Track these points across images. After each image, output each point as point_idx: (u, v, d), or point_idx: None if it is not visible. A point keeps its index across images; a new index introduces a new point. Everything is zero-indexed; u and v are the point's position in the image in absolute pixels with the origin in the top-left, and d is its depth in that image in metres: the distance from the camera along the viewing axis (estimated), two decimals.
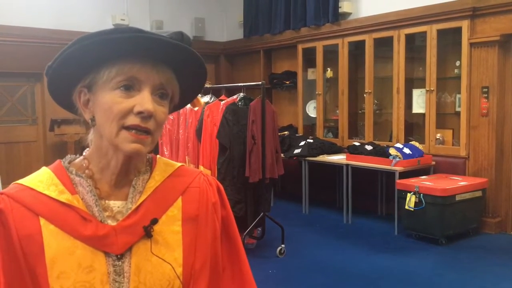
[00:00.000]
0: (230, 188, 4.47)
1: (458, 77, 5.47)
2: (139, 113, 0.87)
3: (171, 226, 0.96)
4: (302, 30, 7.14)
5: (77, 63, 0.88)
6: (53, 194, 0.91)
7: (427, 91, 5.66)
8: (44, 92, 6.92)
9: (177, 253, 0.95)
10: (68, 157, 0.99)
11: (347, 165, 5.78)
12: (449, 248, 4.84)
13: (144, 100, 0.87)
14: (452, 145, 5.64)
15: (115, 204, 0.94)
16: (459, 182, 5.07)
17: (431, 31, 5.55)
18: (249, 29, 8.08)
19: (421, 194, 4.88)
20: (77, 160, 0.98)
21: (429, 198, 4.84)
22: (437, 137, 5.68)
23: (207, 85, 4.55)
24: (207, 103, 4.92)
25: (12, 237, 0.88)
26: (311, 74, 7.17)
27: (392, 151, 5.44)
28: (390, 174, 5.64)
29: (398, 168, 5.28)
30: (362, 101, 6.51)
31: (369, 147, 5.75)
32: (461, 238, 5.06)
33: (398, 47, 5.89)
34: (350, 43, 6.52)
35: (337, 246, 5.02)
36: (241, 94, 4.88)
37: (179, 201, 0.99)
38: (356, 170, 5.75)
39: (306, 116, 7.26)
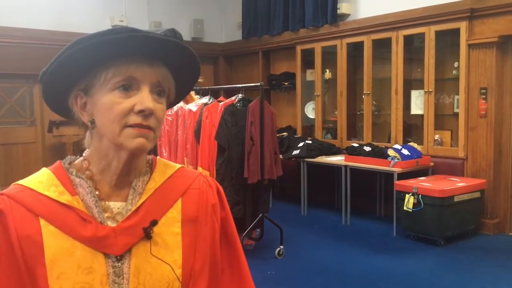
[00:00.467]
0: (229, 189, 4.46)
1: (457, 78, 5.48)
2: (140, 111, 0.87)
3: (170, 228, 0.96)
4: (301, 31, 7.15)
5: (73, 67, 0.89)
6: (53, 195, 0.92)
7: (425, 92, 5.66)
8: None
9: (177, 255, 0.95)
10: (68, 158, 1.00)
11: (345, 166, 5.78)
12: (448, 249, 4.85)
13: (144, 99, 0.88)
14: (451, 146, 5.65)
15: (115, 205, 0.94)
16: (457, 183, 5.08)
17: (430, 32, 5.56)
18: (248, 30, 8.09)
19: (420, 195, 4.88)
20: (77, 161, 0.98)
21: (428, 199, 4.84)
22: (436, 138, 5.69)
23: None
24: (205, 104, 4.92)
25: (12, 238, 0.88)
26: (309, 75, 7.18)
27: (390, 152, 5.44)
28: (388, 175, 5.65)
29: (397, 169, 5.29)
30: (361, 102, 6.51)
31: (367, 148, 5.75)
32: (459, 239, 5.06)
33: (397, 48, 5.90)
34: (348, 44, 6.53)
35: (336, 247, 5.02)
36: (240, 95, 4.88)
37: (178, 203, 0.99)
38: (355, 171, 5.76)
39: (304, 117, 7.26)
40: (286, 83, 7.58)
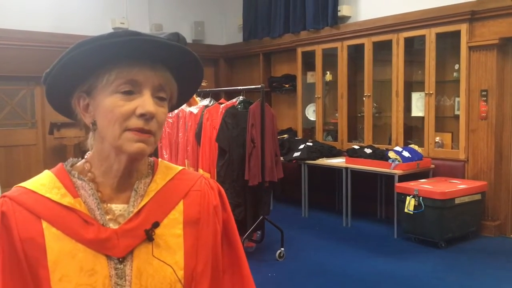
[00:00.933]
0: (230, 191, 4.46)
1: (457, 81, 5.48)
2: (142, 115, 0.88)
3: (172, 229, 0.96)
4: (302, 34, 7.16)
5: (76, 68, 0.89)
6: (55, 197, 0.92)
7: (426, 94, 5.67)
8: (43, 96, 6.92)
9: (179, 256, 0.95)
10: (70, 160, 1.00)
11: (346, 168, 5.78)
12: (449, 251, 4.84)
13: (145, 102, 0.88)
14: (451, 148, 5.65)
15: (117, 208, 0.94)
16: (458, 185, 5.07)
17: (430, 34, 5.57)
18: (249, 32, 8.09)
19: (421, 197, 4.88)
20: (79, 164, 0.99)
21: (429, 201, 4.84)
22: (436, 140, 5.69)
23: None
24: (206, 106, 4.93)
25: (14, 240, 0.88)
26: (310, 78, 7.18)
27: (391, 154, 5.44)
28: (389, 177, 5.64)
29: (398, 171, 5.29)
30: (362, 105, 6.52)
31: (368, 150, 5.75)
32: (460, 242, 5.06)
33: (397, 51, 5.91)
34: (349, 46, 6.54)
35: (336, 250, 5.02)
36: (241, 98, 4.88)
37: (180, 205, 0.99)
38: (356, 173, 5.76)
39: (305, 119, 7.27)
40: (287, 85, 7.59)
